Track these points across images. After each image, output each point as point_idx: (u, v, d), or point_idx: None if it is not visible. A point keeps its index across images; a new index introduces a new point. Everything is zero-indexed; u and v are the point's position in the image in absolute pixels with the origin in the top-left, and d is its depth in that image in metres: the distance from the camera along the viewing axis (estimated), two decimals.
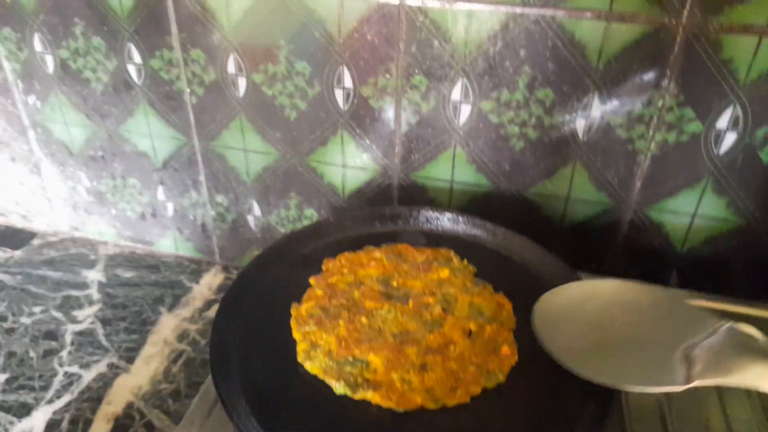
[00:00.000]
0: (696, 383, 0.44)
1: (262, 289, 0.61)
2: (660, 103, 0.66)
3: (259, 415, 0.48)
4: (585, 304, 0.56)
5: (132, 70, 0.82)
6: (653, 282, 0.71)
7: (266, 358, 0.54)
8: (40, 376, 0.77)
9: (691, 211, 0.72)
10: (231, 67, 0.77)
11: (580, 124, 0.69)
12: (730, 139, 0.66)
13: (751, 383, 0.42)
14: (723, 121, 0.65)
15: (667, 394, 0.58)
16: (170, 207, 0.95)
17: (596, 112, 0.68)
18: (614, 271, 0.72)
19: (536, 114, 0.70)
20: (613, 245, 0.76)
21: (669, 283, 0.76)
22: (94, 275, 0.95)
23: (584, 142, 0.70)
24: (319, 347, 0.54)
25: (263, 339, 0.57)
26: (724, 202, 0.70)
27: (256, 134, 0.82)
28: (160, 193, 0.94)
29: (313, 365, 0.53)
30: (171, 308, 0.89)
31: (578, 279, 0.61)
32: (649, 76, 0.64)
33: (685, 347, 0.48)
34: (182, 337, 0.84)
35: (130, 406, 0.74)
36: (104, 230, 1.02)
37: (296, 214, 0.89)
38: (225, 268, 0.98)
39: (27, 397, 0.74)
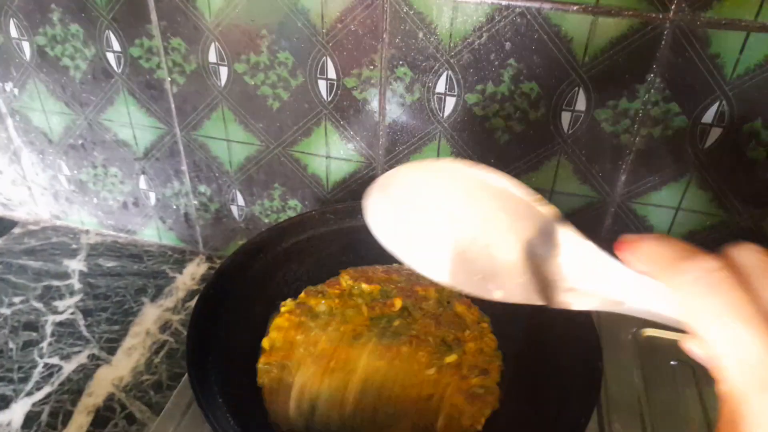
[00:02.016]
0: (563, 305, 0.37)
1: (242, 285, 0.60)
2: (646, 98, 0.65)
3: (236, 415, 0.47)
4: (421, 190, 0.44)
5: (111, 58, 0.80)
6: None
7: (244, 356, 0.54)
8: (20, 368, 0.76)
9: (675, 205, 0.72)
10: (212, 56, 0.76)
11: (565, 118, 0.69)
12: (715, 134, 0.66)
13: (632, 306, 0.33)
14: (709, 116, 0.65)
15: (647, 387, 0.58)
16: (152, 196, 0.93)
17: (581, 105, 0.67)
18: None
19: (521, 107, 0.69)
20: (597, 238, 0.76)
21: None
22: (76, 265, 0.94)
23: (569, 135, 0.70)
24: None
25: (241, 336, 0.57)
26: (708, 196, 0.70)
27: (238, 124, 0.81)
28: (142, 183, 0.92)
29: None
30: (154, 299, 0.88)
31: None
32: (636, 70, 0.64)
33: (532, 257, 0.38)
34: (165, 327, 0.84)
35: (110, 398, 0.73)
36: (86, 219, 1.00)
37: (280, 205, 0.88)
38: (209, 258, 0.97)
39: (6, 390, 0.73)
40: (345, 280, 0.64)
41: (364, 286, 0.64)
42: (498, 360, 0.58)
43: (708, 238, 0.73)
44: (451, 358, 0.57)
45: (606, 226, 0.75)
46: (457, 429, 0.51)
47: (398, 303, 0.62)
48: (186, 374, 0.57)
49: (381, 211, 0.44)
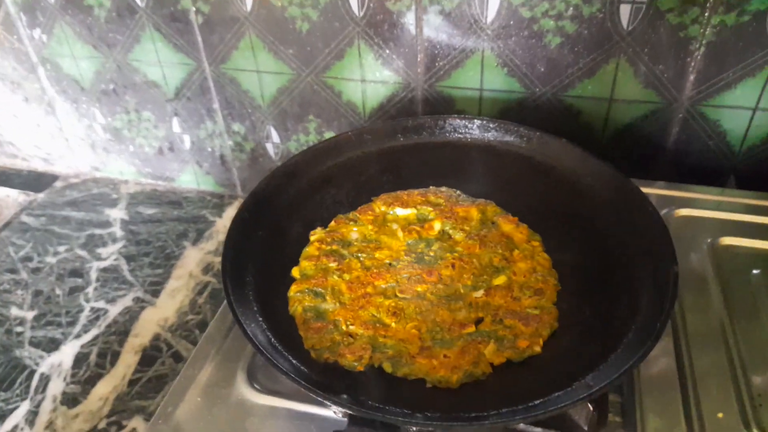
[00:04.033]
0: None
1: (277, 208, 0.57)
2: None
3: (275, 332, 0.45)
4: None
5: None
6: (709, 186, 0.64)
7: (281, 280, 0.51)
8: (67, 312, 0.76)
9: (752, 105, 0.64)
10: None
11: (624, 11, 0.61)
12: None
13: None
14: None
15: (727, 304, 0.52)
16: (187, 139, 0.91)
17: None
18: (663, 179, 0.66)
19: (573, 3, 0.62)
20: (663, 150, 0.69)
21: (726, 187, 0.69)
22: (117, 213, 0.93)
23: (629, 32, 0.62)
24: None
25: (278, 260, 0.54)
26: None
27: (267, 52, 0.76)
28: (176, 125, 0.90)
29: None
30: (195, 242, 0.87)
31: (628, 182, 0.54)
32: None
33: None
34: (207, 269, 0.82)
35: (157, 337, 0.72)
36: (124, 169, 0.99)
37: (316, 139, 0.84)
38: None
39: (55, 333, 0.73)
40: (378, 205, 0.60)
41: (399, 210, 0.60)
42: (553, 279, 0.53)
43: None
44: (499, 280, 0.52)
45: (673, 135, 0.68)
46: (513, 352, 0.46)
47: (437, 225, 0.57)
48: (223, 304, 0.55)
49: None
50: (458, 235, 0.56)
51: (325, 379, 0.43)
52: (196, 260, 0.84)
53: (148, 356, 0.70)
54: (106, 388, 0.67)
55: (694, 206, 0.61)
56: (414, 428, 0.41)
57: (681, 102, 0.66)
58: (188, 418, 0.45)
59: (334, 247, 0.55)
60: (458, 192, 0.61)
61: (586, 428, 0.43)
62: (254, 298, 0.48)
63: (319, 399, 0.40)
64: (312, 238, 0.57)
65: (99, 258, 0.85)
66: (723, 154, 0.68)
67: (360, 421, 0.39)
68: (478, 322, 0.49)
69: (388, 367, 0.45)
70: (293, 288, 0.52)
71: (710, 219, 0.60)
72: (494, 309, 0.50)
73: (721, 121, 0.66)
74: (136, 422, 0.63)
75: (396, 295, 0.50)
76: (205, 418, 0.45)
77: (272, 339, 0.45)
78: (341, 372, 0.45)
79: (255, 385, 0.47)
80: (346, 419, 0.40)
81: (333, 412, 0.44)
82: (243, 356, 0.50)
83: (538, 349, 0.47)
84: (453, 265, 0.53)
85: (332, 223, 0.59)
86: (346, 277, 0.52)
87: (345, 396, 0.40)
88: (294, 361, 0.44)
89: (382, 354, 0.46)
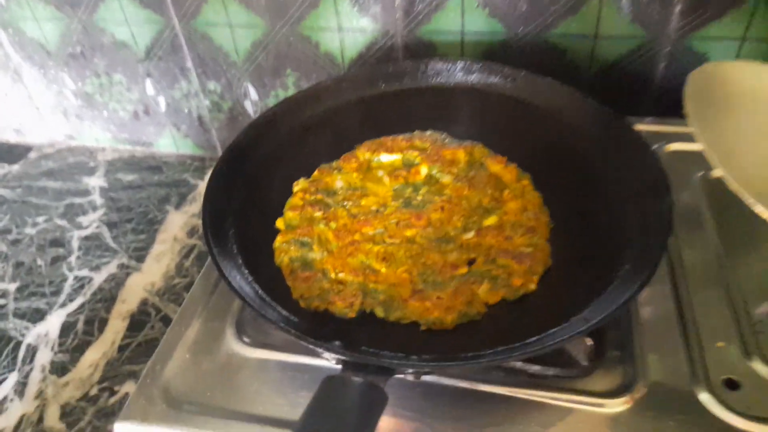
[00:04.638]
0: None
1: (256, 161, 0.55)
2: None
3: (261, 283, 0.43)
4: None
5: None
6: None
7: (264, 234, 0.50)
8: (50, 282, 0.74)
9: (740, 35, 0.62)
10: None
11: None
12: None
13: None
14: None
15: (722, 237, 0.51)
16: (162, 101, 0.88)
17: None
18: (652, 114, 0.64)
19: None
20: (651, 85, 0.68)
21: None
22: (95, 181, 0.90)
23: None
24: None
25: (260, 214, 0.52)
26: None
27: (238, 4, 0.73)
28: (149, 87, 0.87)
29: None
30: (178, 206, 0.85)
31: (617, 117, 0.53)
32: None
33: None
34: (192, 232, 0.80)
35: (144, 302, 0.71)
36: (100, 136, 0.96)
37: None
38: None
39: (39, 303, 0.72)
40: (362, 153, 0.58)
41: (384, 156, 0.58)
42: (545, 216, 0.52)
43: None
44: (490, 221, 0.51)
45: (660, 69, 0.67)
46: (508, 291, 0.46)
47: (423, 170, 0.56)
48: (207, 261, 0.53)
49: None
50: (446, 179, 0.55)
51: (315, 326, 0.42)
52: (180, 224, 0.82)
53: (137, 321, 0.69)
54: (95, 355, 0.66)
55: (684, 140, 0.60)
56: (409, 371, 0.40)
57: (667, 35, 0.64)
58: (177, 375, 0.44)
59: (319, 196, 0.54)
60: (444, 135, 0.60)
61: (584, 363, 0.42)
62: (238, 250, 0.47)
63: (311, 347, 0.39)
64: (295, 188, 0.55)
65: (80, 227, 0.82)
66: None
67: (353, 367, 0.38)
68: (471, 263, 0.48)
69: (380, 312, 0.44)
70: (279, 239, 0.50)
71: (701, 152, 0.58)
72: (486, 249, 0.49)
73: (709, 53, 0.64)
74: (129, 387, 0.62)
75: (385, 241, 0.49)
76: (195, 374, 0.45)
77: (259, 291, 0.44)
78: (332, 319, 0.44)
79: (244, 339, 0.46)
80: (339, 366, 0.39)
81: (326, 359, 0.43)
82: (230, 311, 0.49)
83: (532, 286, 0.46)
84: (442, 208, 0.52)
85: (315, 172, 0.57)
86: (333, 225, 0.51)
87: (337, 342, 0.39)
88: (283, 312, 0.43)
89: (374, 299, 0.45)
